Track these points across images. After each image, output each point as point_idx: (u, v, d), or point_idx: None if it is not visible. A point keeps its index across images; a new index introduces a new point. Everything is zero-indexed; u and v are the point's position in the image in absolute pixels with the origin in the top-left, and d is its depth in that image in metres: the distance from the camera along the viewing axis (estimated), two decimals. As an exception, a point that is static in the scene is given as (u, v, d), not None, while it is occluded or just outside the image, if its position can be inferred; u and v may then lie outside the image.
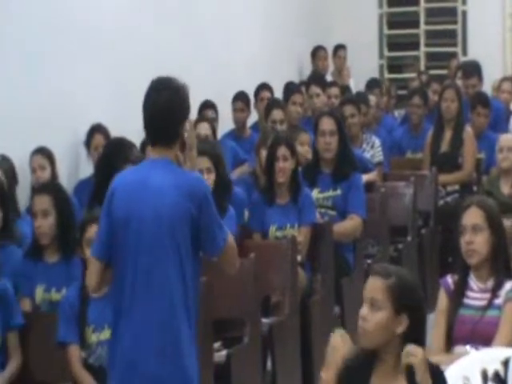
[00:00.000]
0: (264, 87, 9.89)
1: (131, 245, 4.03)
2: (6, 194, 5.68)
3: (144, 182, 4.06)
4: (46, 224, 5.41)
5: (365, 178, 7.57)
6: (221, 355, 5.51)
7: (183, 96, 4.07)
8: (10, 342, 5.08)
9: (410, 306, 3.56)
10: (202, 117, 8.40)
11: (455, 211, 5.03)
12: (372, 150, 8.72)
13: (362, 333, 3.55)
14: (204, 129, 7.76)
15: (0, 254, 5.28)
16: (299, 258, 6.39)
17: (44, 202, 5.46)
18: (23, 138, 6.95)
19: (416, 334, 3.57)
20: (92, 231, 4.91)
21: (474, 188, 8.66)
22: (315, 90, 9.83)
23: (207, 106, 8.94)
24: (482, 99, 9.44)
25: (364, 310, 3.55)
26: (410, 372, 3.53)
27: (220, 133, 8.83)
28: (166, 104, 4.01)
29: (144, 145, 6.25)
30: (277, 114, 8.53)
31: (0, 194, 5.57)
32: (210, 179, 6.05)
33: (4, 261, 5.28)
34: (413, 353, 3.50)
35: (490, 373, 3.80)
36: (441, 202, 8.60)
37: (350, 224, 7.01)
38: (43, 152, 7.03)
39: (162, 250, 4.01)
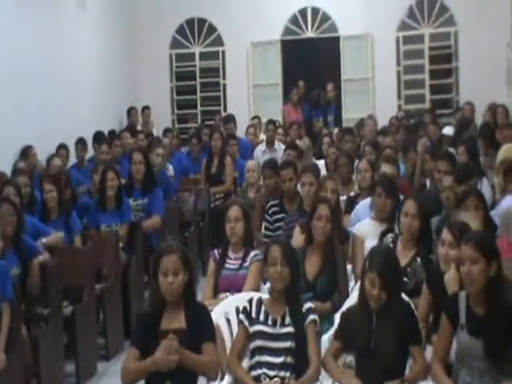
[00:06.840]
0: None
1: None
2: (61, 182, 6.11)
3: None
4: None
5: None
6: (68, 310, 5.42)
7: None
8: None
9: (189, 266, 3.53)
10: (56, 153, 8.29)
11: (221, 210, 5.05)
12: (168, 171, 8.71)
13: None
14: (57, 161, 7.77)
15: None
16: (121, 244, 6.33)
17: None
18: None
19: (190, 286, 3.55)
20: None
21: (233, 195, 8.78)
22: (126, 135, 9.73)
23: (61, 147, 8.74)
24: (232, 136, 9.63)
25: (170, 278, 3.42)
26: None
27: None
28: None
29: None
30: (105, 149, 8.60)
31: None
32: None
33: None
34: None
35: (241, 308, 3.88)
36: (212, 205, 8.68)
37: (154, 221, 6.96)
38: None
39: None
